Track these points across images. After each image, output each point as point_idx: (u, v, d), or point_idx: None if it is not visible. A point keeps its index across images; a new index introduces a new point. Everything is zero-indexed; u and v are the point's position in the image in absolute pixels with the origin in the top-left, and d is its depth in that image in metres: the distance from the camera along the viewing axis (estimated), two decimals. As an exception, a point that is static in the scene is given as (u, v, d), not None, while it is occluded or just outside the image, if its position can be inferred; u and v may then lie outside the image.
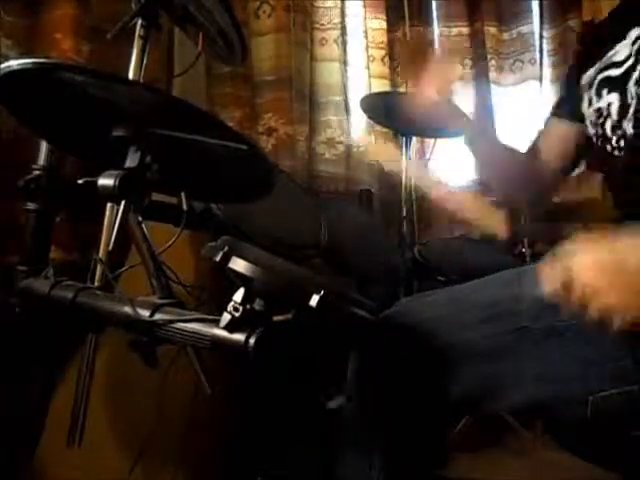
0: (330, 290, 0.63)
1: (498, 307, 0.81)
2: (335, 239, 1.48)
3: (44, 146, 1.04)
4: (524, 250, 2.03)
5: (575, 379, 0.76)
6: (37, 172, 1.03)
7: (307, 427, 1.30)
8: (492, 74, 2.59)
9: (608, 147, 1.03)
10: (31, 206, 1.04)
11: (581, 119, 1.09)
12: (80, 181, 0.86)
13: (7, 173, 1.14)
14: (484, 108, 2.55)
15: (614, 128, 1.00)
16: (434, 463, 0.85)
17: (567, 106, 1.15)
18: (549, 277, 0.71)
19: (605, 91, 1.02)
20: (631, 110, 0.95)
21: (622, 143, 0.99)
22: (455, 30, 2.59)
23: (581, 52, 1.19)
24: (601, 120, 1.03)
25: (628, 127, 0.96)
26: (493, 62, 2.61)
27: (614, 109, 0.99)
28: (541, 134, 1.21)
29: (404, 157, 2.11)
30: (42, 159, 1.04)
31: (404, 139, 2.13)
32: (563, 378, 0.77)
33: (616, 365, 0.75)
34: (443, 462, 0.87)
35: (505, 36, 2.66)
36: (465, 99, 2.49)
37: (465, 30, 2.59)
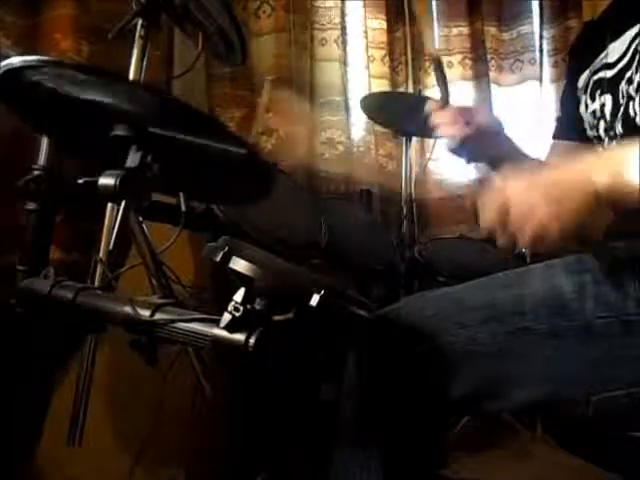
0: (330, 290, 0.63)
1: (499, 307, 0.81)
2: (335, 239, 1.48)
3: (44, 146, 1.04)
4: (524, 250, 2.03)
5: (576, 380, 0.76)
6: (37, 172, 1.03)
7: (307, 427, 1.30)
8: (492, 74, 2.59)
9: (600, 149, 1.03)
10: (31, 206, 1.04)
11: (583, 136, 1.08)
12: (80, 181, 0.86)
13: (7, 173, 1.14)
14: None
15: (607, 129, 1.00)
16: (434, 463, 0.85)
17: (567, 125, 1.14)
18: (486, 206, 0.74)
19: (598, 93, 1.01)
20: (621, 110, 0.95)
21: (614, 144, 0.99)
22: (455, 30, 2.58)
23: (574, 55, 1.18)
24: (595, 122, 1.03)
25: (619, 127, 0.96)
26: (493, 62, 2.61)
27: (607, 110, 0.99)
28: (548, 160, 1.20)
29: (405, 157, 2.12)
30: (42, 159, 1.04)
31: (404, 139, 2.14)
32: (564, 379, 0.77)
33: (617, 366, 0.75)
34: (443, 462, 0.87)
35: (505, 36, 2.66)
36: (465, 99, 2.51)
37: (465, 30, 2.59)
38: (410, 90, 2.45)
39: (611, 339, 0.75)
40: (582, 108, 1.07)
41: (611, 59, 0.99)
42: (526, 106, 2.59)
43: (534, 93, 2.60)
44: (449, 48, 2.57)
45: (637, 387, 0.74)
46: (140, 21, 1.15)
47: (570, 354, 0.76)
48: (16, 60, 0.68)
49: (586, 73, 1.06)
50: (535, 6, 2.65)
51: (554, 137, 1.19)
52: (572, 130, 1.11)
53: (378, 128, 2.35)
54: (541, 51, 2.63)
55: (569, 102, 1.12)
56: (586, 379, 0.76)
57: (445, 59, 2.56)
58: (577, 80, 1.09)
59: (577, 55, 1.16)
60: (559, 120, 1.20)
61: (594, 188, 0.71)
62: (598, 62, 1.02)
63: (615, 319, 0.76)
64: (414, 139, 2.19)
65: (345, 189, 2.26)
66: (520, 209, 0.71)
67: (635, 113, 0.92)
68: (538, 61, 2.61)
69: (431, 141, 2.33)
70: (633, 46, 0.95)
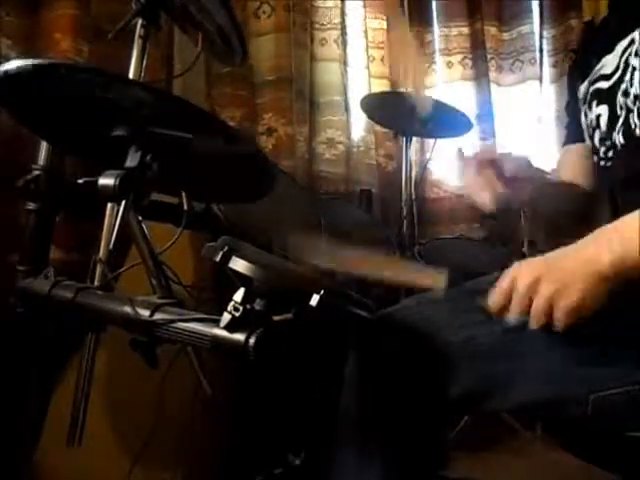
0: (330, 290, 0.63)
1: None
2: (335, 239, 1.48)
3: (44, 146, 1.04)
4: (524, 250, 2.04)
5: (575, 379, 0.76)
6: (37, 172, 1.03)
7: (307, 426, 1.30)
8: (492, 74, 2.59)
9: (595, 158, 1.04)
10: (31, 206, 1.04)
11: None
12: (80, 181, 0.86)
13: (7, 173, 1.14)
14: (484, 108, 2.55)
15: (602, 139, 1.01)
16: (434, 463, 0.85)
17: (575, 129, 1.14)
18: (495, 291, 0.75)
19: (595, 103, 1.03)
20: (620, 121, 0.96)
21: (610, 154, 1.00)
22: (455, 30, 2.59)
23: (574, 64, 1.19)
24: (591, 132, 1.03)
25: (618, 138, 0.97)
26: (493, 62, 2.61)
27: (603, 121, 1.00)
28: (560, 164, 1.20)
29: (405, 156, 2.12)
30: (42, 159, 1.04)
31: (404, 139, 2.14)
32: (563, 378, 0.77)
33: (616, 365, 0.75)
34: (443, 462, 0.87)
35: (505, 36, 2.66)
36: (465, 99, 2.51)
37: (465, 30, 2.59)
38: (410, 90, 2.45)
39: (608, 337, 0.75)
40: (582, 118, 1.08)
41: (607, 71, 1.00)
42: (526, 106, 2.59)
43: (534, 93, 2.60)
44: (449, 48, 2.57)
45: (635, 385, 0.74)
46: (140, 21, 1.15)
47: (568, 353, 0.76)
48: (13, 64, 0.68)
49: (585, 84, 1.07)
50: (535, 6, 2.66)
51: (565, 144, 1.18)
52: (582, 135, 1.11)
53: (378, 128, 2.35)
54: (541, 51, 2.63)
55: (573, 109, 1.13)
56: (584, 378, 0.76)
57: (445, 59, 2.57)
58: (578, 90, 1.10)
59: (577, 65, 1.17)
60: (568, 127, 1.20)
61: (600, 268, 0.70)
62: (595, 73, 1.03)
63: (612, 317, 0.76)
64: (414, 139, 2.20)
65: (345, 189, 2.26)
66: (525, 283, 0.72)
67: (635, 125, 0.92)
68: (538, 61, 2.62)
69: (431, 141, 2.33)
70: (624, 58, 0.96)
